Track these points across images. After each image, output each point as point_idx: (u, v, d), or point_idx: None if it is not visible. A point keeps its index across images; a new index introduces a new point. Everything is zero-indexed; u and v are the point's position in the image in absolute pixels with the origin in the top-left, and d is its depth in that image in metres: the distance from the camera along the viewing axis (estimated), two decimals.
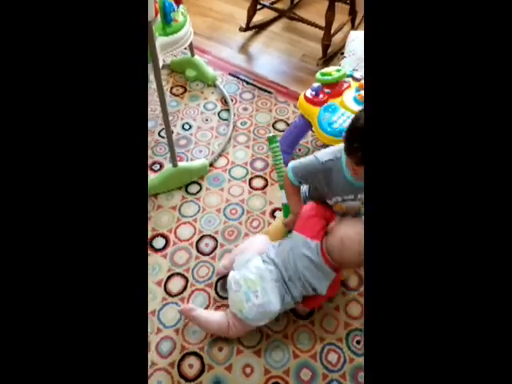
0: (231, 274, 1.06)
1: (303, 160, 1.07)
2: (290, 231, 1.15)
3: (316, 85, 1.37)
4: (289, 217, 1.17)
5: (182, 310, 1.06)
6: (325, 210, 1.07)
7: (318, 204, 1.08)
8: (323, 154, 1.02)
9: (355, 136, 0.87)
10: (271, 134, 1.25)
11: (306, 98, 1.38)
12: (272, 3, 2.21)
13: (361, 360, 1.04)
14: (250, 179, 1.46)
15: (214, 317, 1.06)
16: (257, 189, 1.43)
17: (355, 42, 1.83)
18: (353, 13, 2.19)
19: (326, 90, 1.37)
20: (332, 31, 1.95)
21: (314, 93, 1.36)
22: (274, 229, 1.25)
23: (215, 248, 1.26)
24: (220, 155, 1.53)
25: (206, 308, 1.13)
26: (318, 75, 1.39)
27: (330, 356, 1.05)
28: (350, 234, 0.99)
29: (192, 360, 1.04)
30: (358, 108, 1.30)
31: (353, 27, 2.24)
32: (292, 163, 1.09)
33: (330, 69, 1.42)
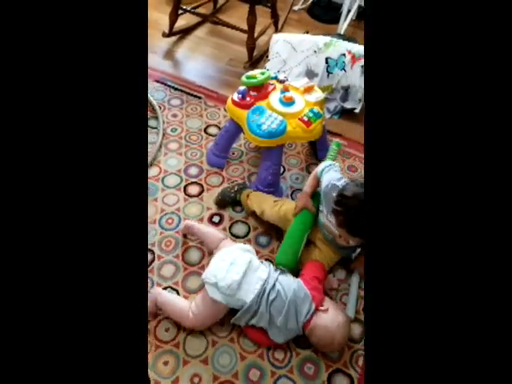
0: (231, 248, 1.11)
1: (337, 172, 1.16)
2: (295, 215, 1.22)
3: (242, 88, 1.39)
4: (301, 194, 1.26)
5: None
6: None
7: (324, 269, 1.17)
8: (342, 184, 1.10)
9: (340, 202, 0.99)
10: (337, 141, 1.47)
11: (233, 101, 1.39)
12: (194, 8, 2.21)
13: (306, 352, 1.07)
14: (185, 186, 1.44)
15: (178, 299, 1.11)
16: (193, 196, 1.42)
17: (278, 44, 1.88)
18: (275, 16, 2.25)
19: (253, 93, 1.39)
20: (256, 34, 1.99)
21: (240, 96, 1.38)
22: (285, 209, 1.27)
23: (152, 261, 1.22)
24: (151, 164, 1.49)
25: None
26: (243, 78, 1.41)
27: (277, 353, 1.07)
28: (332, 328, 1.01)
29: None
30: (283, 109, 1.34)
31: (276, 30, 2.31)
32: (329, 165, 1.19)
33: (255, 72, 1.45)
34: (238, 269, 1.04)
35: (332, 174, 1.14)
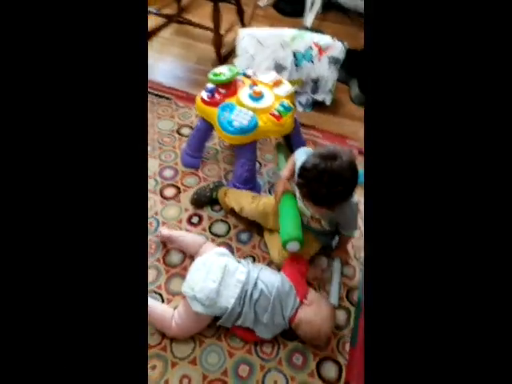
0: (206, 255, 1.11)
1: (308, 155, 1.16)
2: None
3: (210, 86, 1.38)
4: (278, 180, 1.26)
5: None
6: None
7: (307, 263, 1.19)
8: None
9: (301, 175, 1.00)
10: (278, 141, 1.39)
11: (202, 100, 1.38)
12: (158, 9, 2.18)
13: (293, 344, 1.08)
14: (161, 189, 1.43)
15: (160, 306, 1.08)
16: (169, 198, 1.41)
17: (245, 39, 1.88)
18: (240, 12, 2.25)
19: (222, 90, 1.38)
20: (222, 32, 1.98)
21: (209, 94, 1.37)
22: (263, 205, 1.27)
23: None
24: None
25: None
26: (210, 76, 1.40)
27: (265, 347, 1.07)
28: (317, 321, 1.03)
29: None
30: (253, 105, 1.34)
31: (243, 26, 2.30)
32: (305, 150, 1.20)
33: (222, 68, 1.44)
34: (214, 276, 1.03)
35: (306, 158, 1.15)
